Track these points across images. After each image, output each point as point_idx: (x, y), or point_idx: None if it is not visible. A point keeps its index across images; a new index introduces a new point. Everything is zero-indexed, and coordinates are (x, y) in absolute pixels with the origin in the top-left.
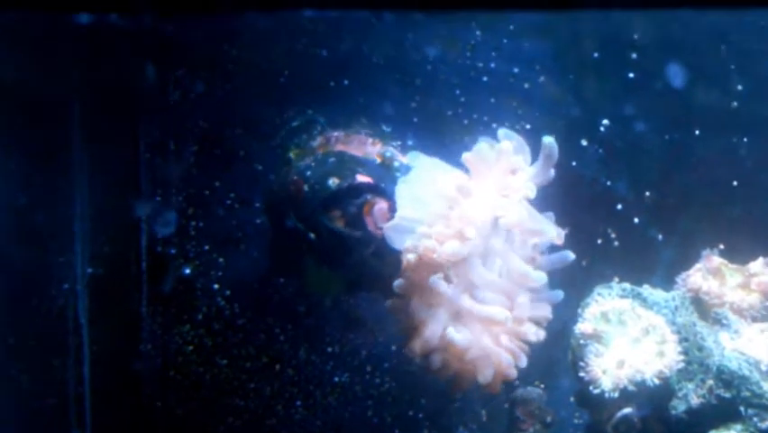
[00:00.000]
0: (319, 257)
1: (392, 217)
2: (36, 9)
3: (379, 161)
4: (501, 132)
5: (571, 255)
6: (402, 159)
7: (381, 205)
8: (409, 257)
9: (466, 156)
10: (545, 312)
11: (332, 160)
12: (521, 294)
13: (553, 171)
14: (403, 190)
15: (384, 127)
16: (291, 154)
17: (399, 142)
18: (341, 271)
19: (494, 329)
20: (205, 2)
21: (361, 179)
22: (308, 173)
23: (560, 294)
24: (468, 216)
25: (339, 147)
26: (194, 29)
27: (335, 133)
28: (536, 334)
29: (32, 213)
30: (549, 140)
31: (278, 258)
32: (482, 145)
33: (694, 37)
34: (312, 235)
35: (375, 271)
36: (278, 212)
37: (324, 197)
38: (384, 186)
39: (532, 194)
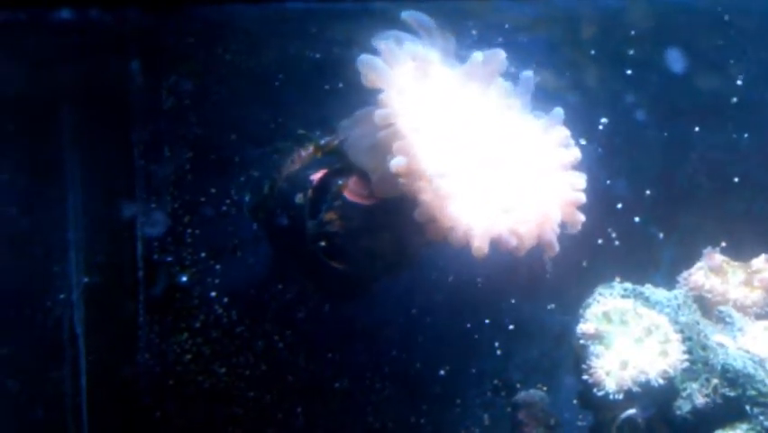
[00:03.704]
0: (350, 260)
1: (369, 180)
2: (14, 6)
3: (319, 155)
4: (374, 41)
5: (529, 72)
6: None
7: (353, 179)
8: (404, 190)
9: (368, 79)
10: (562, 131)
11: (284, 186)
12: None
13: (444, 39)
14: (356, 154)
15: (300, 131)
16: (260, 216)
17: (333, 135)
18: (377, 252)
19: (530, 184)
20: None
21: (317, 176)
22: (278, 211)
23: (560, 112)
24: (410, 114)
25: (284, 175)
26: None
27: (275, 174)
28: (572, 153)
29: (25, 222)
30: (407, 13)
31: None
32: (364, 58)
33: (693, 26)
34: (323, 243)
35: (402, 229)
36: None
37: (307, 213)
38: (340, 166)
39: (438, 59)
